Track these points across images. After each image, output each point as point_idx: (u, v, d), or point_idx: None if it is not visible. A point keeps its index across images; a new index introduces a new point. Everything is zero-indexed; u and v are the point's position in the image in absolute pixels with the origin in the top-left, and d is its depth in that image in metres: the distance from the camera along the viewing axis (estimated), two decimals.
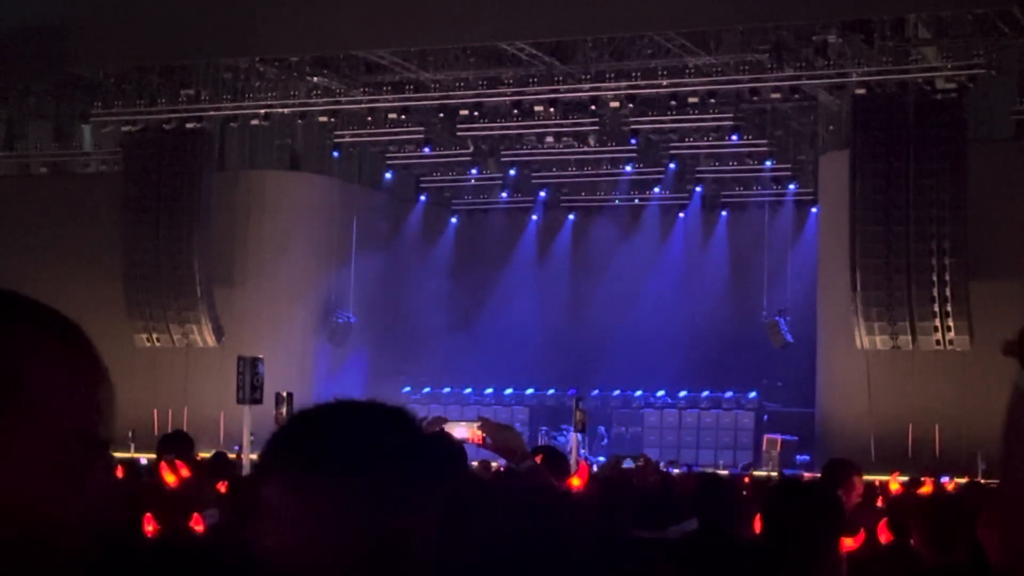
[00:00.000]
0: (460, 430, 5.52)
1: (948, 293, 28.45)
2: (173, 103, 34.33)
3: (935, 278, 28.38)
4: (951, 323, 28.66)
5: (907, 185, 28.36)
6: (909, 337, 29.04)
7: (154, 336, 34.08)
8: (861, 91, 29.39)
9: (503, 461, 5.25)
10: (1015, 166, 29.51)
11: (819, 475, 7.43)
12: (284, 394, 23.84)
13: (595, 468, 21.97)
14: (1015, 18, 28.73)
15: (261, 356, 23.06)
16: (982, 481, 20.47)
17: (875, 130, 28.88)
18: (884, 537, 4.89)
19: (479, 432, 4.91)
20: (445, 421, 5.41)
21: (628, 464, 23.39)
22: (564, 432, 32.56)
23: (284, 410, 23.31)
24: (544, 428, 34.14)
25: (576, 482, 7.52)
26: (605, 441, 34.58)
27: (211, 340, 33.86)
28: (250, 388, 21.91)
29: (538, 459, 4.88)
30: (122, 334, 33.05)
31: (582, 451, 31.18)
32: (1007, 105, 30.65)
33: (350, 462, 1.88)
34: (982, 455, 26.86)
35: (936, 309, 28.57)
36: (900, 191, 28.40)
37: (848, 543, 4.95)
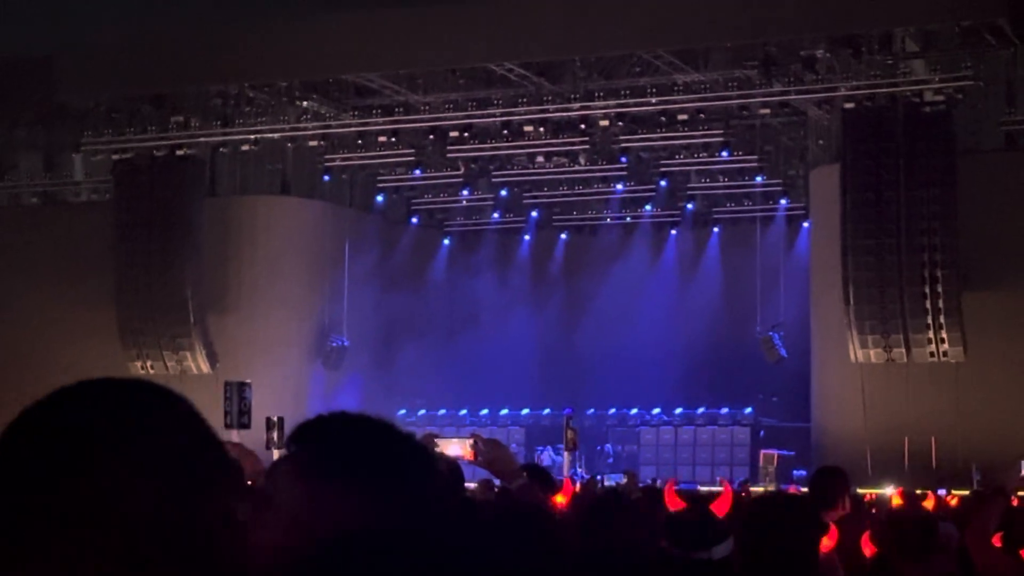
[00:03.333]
0: (453, 447, 5.51)
1: (941, 304, 28.46)
2: (163, 130, 34.36)
3: (927, 290, 28.40)
4: (944, 334, 28.67)
5: (898, 198, 28.41)
6: (903, 349, 29.05)
7: (148, 363, 34.04)
8: (850, 105, 29.45)
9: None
10: (1005, 176, 29.54)
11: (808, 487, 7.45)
12: (275, 418, 23.81)
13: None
14: (1002, 29, 28.80)
15: (248, 381, 23.06)
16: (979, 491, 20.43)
17: (865, 144, 28.94)
18: (868, 550, 4.89)
19: (471, 449, 4.92)
20: (437, 438, 5.40)
21: (612, 481, 23.38)
22: (559, 451, 32.53)
23: (275, 434, 23.28)
24: (540, 448, 34.11)
25: (560, 499, 7.51)
26: (611, 460, 34.54)
27: (205, 366, 33.82)
28: (238, 413, 21.92)
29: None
30: (116, 362, 33.00)
31: (579, 470, 31.17)
32: (996, 116, 30.71)
33: (357, 461, 1.98)
34: (977, 467, 26.88)
35: (929, 320, 28.59)
36: (891, 204, 28.44)
37: (825, 542, 4.94)
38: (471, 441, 5.07)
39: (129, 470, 1.33)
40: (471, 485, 14.95)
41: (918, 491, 17.93)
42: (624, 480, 22.76)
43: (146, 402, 1.41)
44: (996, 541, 5.93)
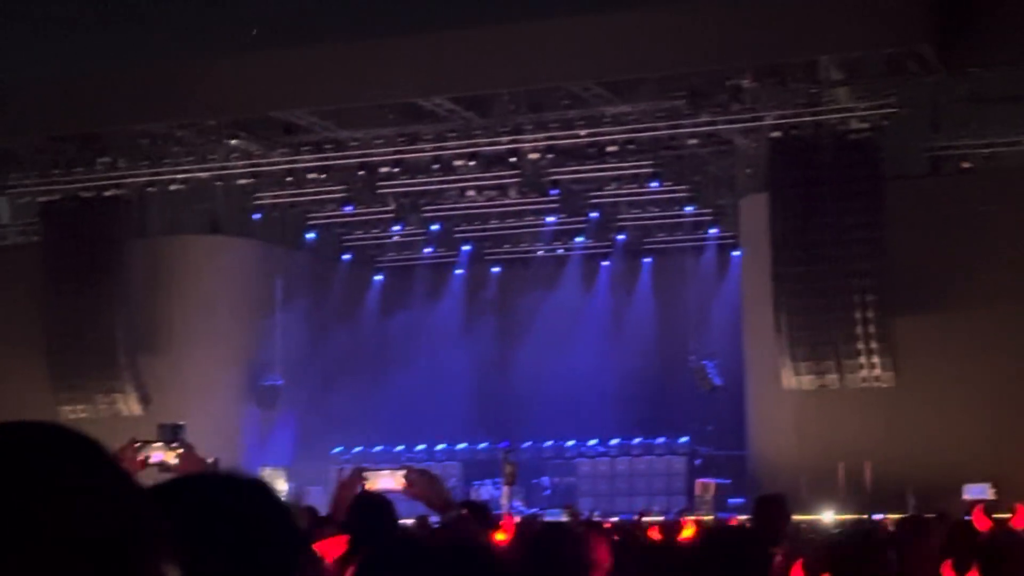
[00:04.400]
0: (384, 480, 5.45)
1: (871, 330, 28.71)
2: (90, 171, 34.05)
3: (858, 315, 28.64)
4: (876, 360, 28.91)
5: (826, 225, 28.64)
6: (836, 375, 29.26)
7: (78, 406, 33.64)
8: (777, 134, 29.69)
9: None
10: (931, 202, 29.88)
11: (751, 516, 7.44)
12: (210, 460, 23.55)
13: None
14: (924, 57, 29.18)
15: (183, 423, 22.82)
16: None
17: (792, 172, 29.18)
18: None
19: (403, 480, 4.87)
20: (365, 471, 5.34)
21: (551, 517, 23.29)
22: (496, 485, 32.46)
23: None
24: (477, 482, 33.99)
25: (501, 536, 7.45)
26: (549, 492, 34.47)
27: (136, 409, 33.48)
28: None
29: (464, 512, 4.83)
30: (46, 405, 32.58)
31: (517, 503, 31.09)
32: (921, 142, 31.08)
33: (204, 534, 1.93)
34: (911, 491, 27.06)
35: (860, 346, 28.82)
36: (819, 231, 28.68)
37: None
38: (403, 473, 5.02)
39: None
40: (409, 521, 14.88)
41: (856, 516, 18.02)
42: (564, 516, 22.67)
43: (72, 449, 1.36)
44: (946, 568, 5.95)
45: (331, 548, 4.75)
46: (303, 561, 2.12)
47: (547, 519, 21.96)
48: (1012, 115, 30.72)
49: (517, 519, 21.75)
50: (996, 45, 29.73)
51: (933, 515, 11.89)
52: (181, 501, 2.03)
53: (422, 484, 4.82)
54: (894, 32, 28.22)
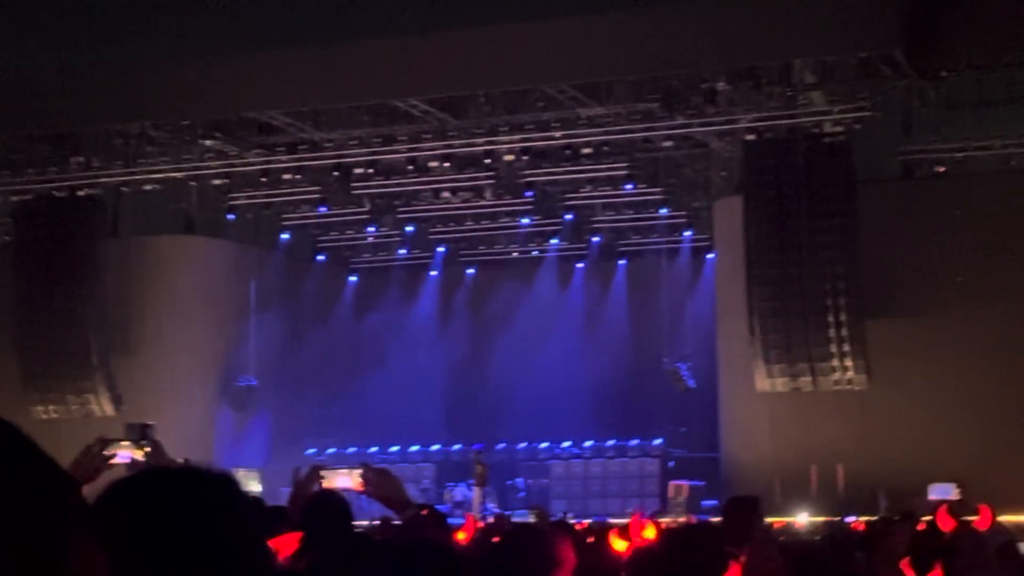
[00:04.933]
0: (342, 478, 5.45)
1: (845, 333, 28.80)
2: (64, 171, 33.92)
3: (831, 318, 28.72)
4: (849, 363, 29.00)
5: (800, 228, 28.73)
6: (809, 378, 29.34)
7: (51, 408, 33.50)
8: (751, 137, 29.77)
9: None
10: (904, 205, 30.04)
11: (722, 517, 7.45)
12: (182, 460, 23.50)
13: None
14: (897, 61, 29.30)
15: (152, 423, 22.75)
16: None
17: (766, 175, 29.26)
18: None
19: (360, 479, 4.86)
20: (322, 469, 5.33)
21: (519, 518, 23.30)
22: (470, 486, 32.47)
23: None
24: (451, 484, 33.98)
25: (462, 536, 7.45)
26: (523, 494, 34.48)
27: (109, 409, 33.35)
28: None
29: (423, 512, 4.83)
30: (18, 407, 32.46)
31: (490, 505, 31.12)
32: (893, 146, 31.21)
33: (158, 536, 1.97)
34: (883, 492, 27.18)
35: (833, 349, 28.91)
36: (793, 234, 28.76)
37: None
38: (360, 472, 5.01)
39: None
40: (367, 523, 14.87)
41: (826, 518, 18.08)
42: (532, 518, 22.67)
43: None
44: (904, 566, 5.98)
45: (284, 545, 4.75)
46: (264, 553, 2.14)
47: (515, 520, 21.98)
48: (984, 120, 30.86)
49: (482, 521, 21.77)
50: (966, 50, 29.89)
51: (900, 516, 11.96)
52: (144, 492, 2.05)
53: (379, 483, 4.80)
54: (866, 36, 28.33)
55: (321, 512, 4.96)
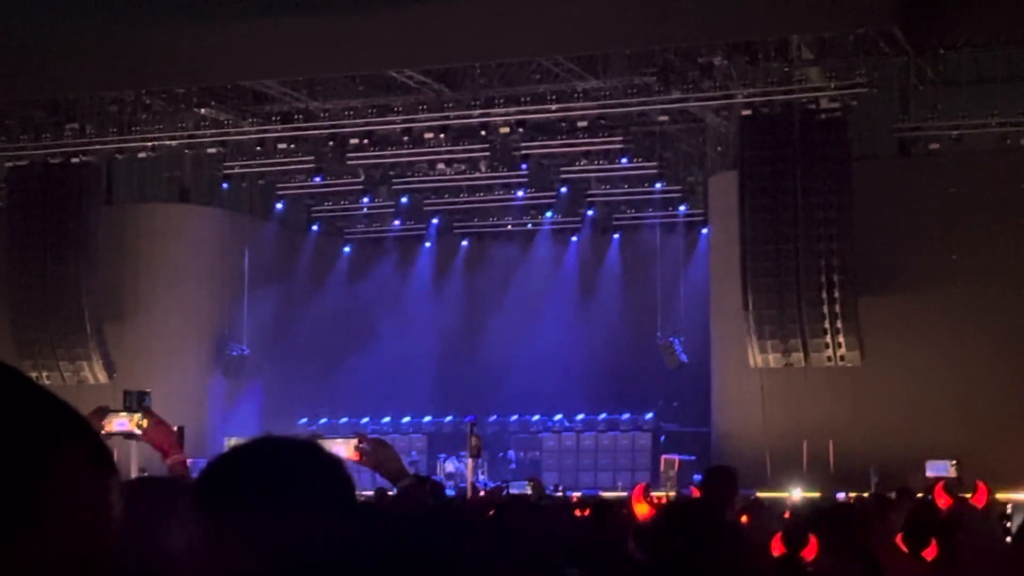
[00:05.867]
0: (337, 447, 5.44)
1: (838, 309, 28.82)
2: (58, 138, 33.83)
3: (824, 295, 28.75)
4: (841, 339, 29.04)
5: (795, 204, 28.72)
6: (801, 354, 29.37)
7: (44, 373, 33.46)
8: (747, 112, 29.73)
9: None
10: (899, 182, 30.04)
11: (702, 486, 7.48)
12: (175, 428, 23.49)
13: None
14: (895, 37, 29.26)
15: (148, 390, 22.76)
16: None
17: (762, 150, 29.23)
18: (776, 550, 4.90)
19: (356, 450, 4.85)
20: (320, 439, 5.32)
21: (517, 489, 23.35)
22: (461, 458, 32.49)
23: None
24: (442, 455, 34.02)
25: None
26: (514, 465, 34.52)
27: (102, 376, 33.36)
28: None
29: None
30: None
31: (481, 477, 31.15)
32: (889, 123, 31.18)
33: (269, 495, 2.13)
34: (874, 469, 27.24)
35: (827, 326, 28.95)
36: (788, 210, 28.75)
37: None
38: (355, 442, 4.99)
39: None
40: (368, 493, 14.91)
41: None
42: (528, 488, 22.73)
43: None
44: (899, 541, 5.99)
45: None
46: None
47: (512, 491, 22.03)
48: (980, 98, 30.83)
49: (483, 491, 21.84)
50: (965, 28, 29.85)
51: (894, 492, 11.99)
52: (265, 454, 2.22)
53: (375, 454, 4.78)
54: (865, 13, 28.27)
55: None
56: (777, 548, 4.83)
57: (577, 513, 10.53)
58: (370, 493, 14.79)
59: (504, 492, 21.28)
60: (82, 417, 1.37)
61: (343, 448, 5.17)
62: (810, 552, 4.74)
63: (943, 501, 9.31)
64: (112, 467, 1.35)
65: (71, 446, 1.31)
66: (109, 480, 1.31)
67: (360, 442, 4.86)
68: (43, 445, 1.29)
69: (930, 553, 5.61)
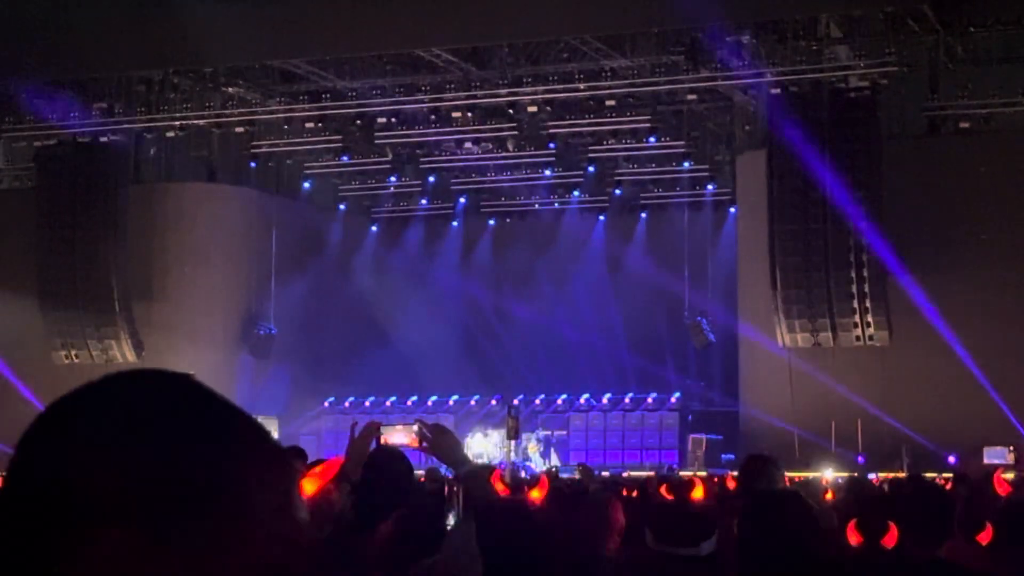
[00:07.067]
0: (398, 435, 5.46)
1: (866, 289, 28.74)
2: (87, 117, 33.91)
3: (853, 274, 28.66)
4: (870, 319, 28.96)
5: (823, 183, 28.62)
6: (830, 334, 29.31)
7: (72, 353, 33.64)
8: (776, 91, 29.62)
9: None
10: (928, 161, 29.88)
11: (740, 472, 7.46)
12: None
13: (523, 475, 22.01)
14: (925, 15, 29.10)
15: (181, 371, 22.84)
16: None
17: (790, 129, 29.11)
18: (854, 539, 4.84)
19: (416, 436, 4.87)
20: (379, 426, 5.33)
21: (565, 474, 23.35)
22: (487, 436, 32.50)
23: None
24: (468, 434, 34.03)
25: (536, 495, 7.45)
26: (542, 446, 34.52)
27: (131, 355, 33.50)
28: None
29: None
30: (40, 352, 32.66)
31: (516, 459, 31.17)
32: (919, 101, 31.00)
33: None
34: (906, 449, 27.22)
35: (855, 305, 28.87)
36: (816, 189, 28.65)
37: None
38: (415, 428, 5.02)
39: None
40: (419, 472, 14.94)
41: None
42: (577, 474, 22.68)
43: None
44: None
45: (328, 470, 4.78)
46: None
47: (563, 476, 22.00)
48: (1010, 76, 30.65)
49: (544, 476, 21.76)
50: (993, 5, 29.67)
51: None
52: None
53: (435, 441, 4.82)
54: None
55: (382, 466, 4.96)
56: (854, 537, 4.80)
57: (624, 493, 10.56)
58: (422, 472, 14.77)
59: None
60: (258, 421, 1.39)
61: (403, 435, 5.17)
62: (891, 540, 4.72)
63: (1003, 488, 9.28)
64: (296, 469, 1.36)
65: (263, 450, 1.32)
66: (294, 482, 1.33)
67: (420, 429, 4.88)
68: (242, 450, 1.31)
69: (985, 537, 5.61)
